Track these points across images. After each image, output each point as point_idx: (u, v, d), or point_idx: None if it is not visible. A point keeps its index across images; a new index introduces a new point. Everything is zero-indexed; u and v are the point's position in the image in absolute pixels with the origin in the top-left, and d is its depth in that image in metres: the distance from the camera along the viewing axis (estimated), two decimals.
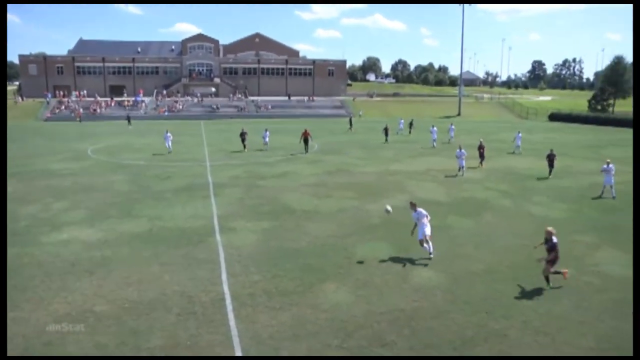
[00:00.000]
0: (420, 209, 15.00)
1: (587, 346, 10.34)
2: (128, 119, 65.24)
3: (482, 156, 31.77)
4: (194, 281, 13.12)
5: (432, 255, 14.79)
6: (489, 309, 11.89)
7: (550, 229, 13.07)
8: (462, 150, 29.11)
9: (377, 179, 27.88)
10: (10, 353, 9.47)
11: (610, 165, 23.29)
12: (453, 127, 48.54)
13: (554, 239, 12.81)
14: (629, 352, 10.12)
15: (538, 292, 12.81)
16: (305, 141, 38.43)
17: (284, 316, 11.33)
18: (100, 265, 14.11)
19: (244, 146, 38.77)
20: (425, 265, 14.47)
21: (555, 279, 13.01)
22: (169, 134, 38.52)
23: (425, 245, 14.82)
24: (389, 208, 14.22)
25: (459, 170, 29.27)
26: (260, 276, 13.55)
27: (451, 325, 11.06)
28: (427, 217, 14.87)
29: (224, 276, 13.51)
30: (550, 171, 28.70)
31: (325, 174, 29.39)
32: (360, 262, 14.73)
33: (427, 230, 14.77)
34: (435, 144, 42.85)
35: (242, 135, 39.09)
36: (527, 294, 12.68)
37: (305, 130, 39.14)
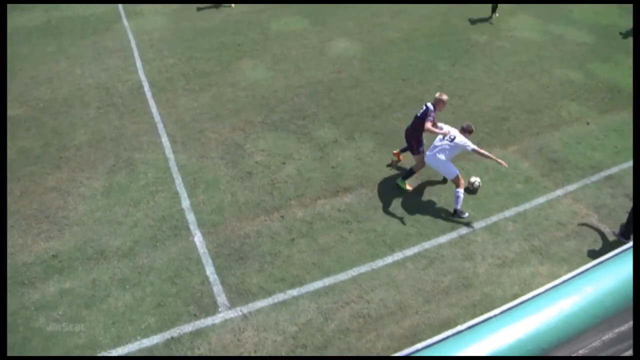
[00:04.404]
0: None
1: (494, 105, 11.25)
2: None
3: None
4: (108, 72, 12.53)
5: None
6: (406, 75, 12.35)
7: None
8: None
9: None
10: None
11: None
12: None
13: None
14: (529, 106, 11.15)
15: (452, 58, 13.28)
16: None
17: (205, 97, 11.34)
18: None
19: None
20: (342, 36, 14.38)
21: None
22: None
23: None
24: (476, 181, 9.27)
25: None
26: (175, 59, 13.09)
27: (369, 94, 11.51)
28: None
29: (138, 63, 12.94)
30: None
31: None
32: (276, 38, 14.40)
33: None
34: None
35: None
36: (443, 60, 13.12)
37: None
